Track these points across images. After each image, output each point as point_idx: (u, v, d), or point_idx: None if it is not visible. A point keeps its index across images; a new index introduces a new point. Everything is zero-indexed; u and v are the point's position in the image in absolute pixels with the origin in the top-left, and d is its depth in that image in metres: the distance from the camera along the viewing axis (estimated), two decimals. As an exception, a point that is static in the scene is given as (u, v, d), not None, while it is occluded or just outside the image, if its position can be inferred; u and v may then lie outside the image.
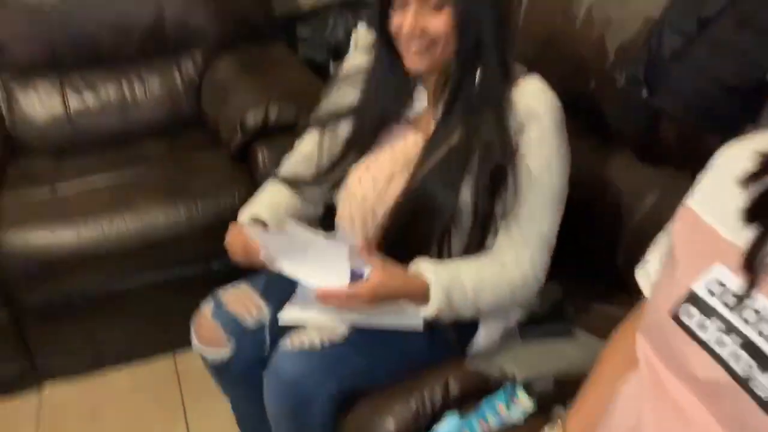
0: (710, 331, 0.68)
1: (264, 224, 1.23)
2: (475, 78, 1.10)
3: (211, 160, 1.96)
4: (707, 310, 0.69)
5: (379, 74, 1.21)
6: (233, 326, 1.24)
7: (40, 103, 2.09)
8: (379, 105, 1.22)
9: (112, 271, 1.78)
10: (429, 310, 1.07)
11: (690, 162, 1.19)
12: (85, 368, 1.93)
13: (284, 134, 1.82)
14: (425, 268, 1.09)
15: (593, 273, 1.38)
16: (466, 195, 1.11)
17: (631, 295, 0.94)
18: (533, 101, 1.10)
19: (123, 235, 1.73)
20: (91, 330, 1.85)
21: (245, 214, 1.26)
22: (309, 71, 2.19)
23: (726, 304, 0.68)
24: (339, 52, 2.44)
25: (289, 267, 1.13)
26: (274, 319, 1.23)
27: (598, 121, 1.43)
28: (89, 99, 2.11)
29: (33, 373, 1.88)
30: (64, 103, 2.09)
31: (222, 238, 1.80)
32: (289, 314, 1.20)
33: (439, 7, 1.07)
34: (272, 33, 2.39)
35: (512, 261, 1.12)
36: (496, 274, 1.11)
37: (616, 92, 1.31)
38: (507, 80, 1.12)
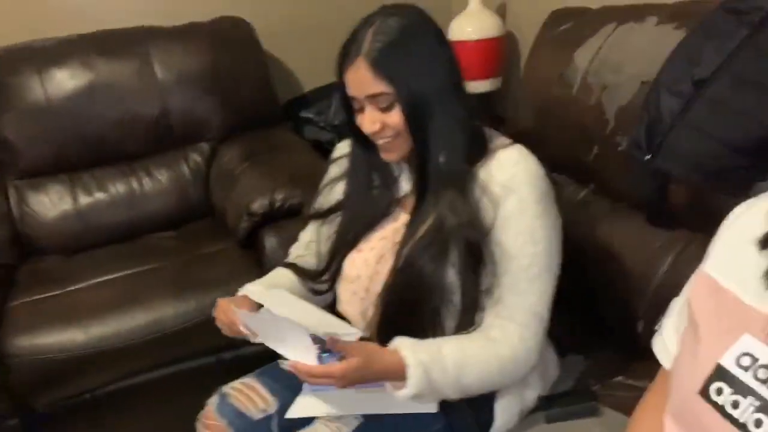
0: (744, 409, 0.64)
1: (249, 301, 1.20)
2: (439, 161, 1.10)
3: (220, 248, 1.95)
4: (739, 387, 0.65)
5: (360, 169, 1.23)
6: (239, 421, 1.20)
7: (50, 203, 2.10)
8: (366, 197, 1.23)
9: (123, 369, 1.74)
10: (408, 390, 1.03)
11: (703, 224, 1.16)
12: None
13: (291, 219, 1.82)
14: (403, 345, 1.05)
15: (614, 343, 1.33)
16: (451, 273, 1.09)
17: (655, 365, 0.90)
18: (508, 172, 1.09)
19: (133, 331, 1.70)
20: (103, 431, 1.79)
21: (241, 291, 1.25)
22: (314, 153, 2.20)
23: (758, 379, 0.64)
24: (343, 131, 2.46)
25: (269, 343, 1.11)
26: (282, 411, 1.19)
27: (605, 187, 1.42)
28: (98, 195, 2.12)
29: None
30: (74, 202, 2.11)
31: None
32: (297, 408, 1.16)
33: (388, 109, 1.09)
34: (277, 117, 2.42)
35: (499, 336, 1.08)
36: (481, 350, 1.07)
37: (620, 156, 1.30)
38: (475, 158, 1.11)
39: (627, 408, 1.11)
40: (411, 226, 1.14)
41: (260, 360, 1.84)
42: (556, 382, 1.26)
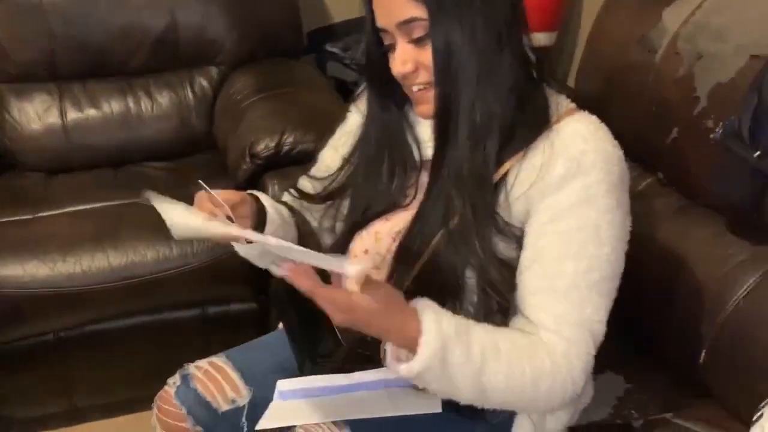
0: None
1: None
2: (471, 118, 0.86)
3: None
4: None
5: (371, 136, 1.01)
6: (200, 411, 1.00)
7: (35, 114, 1.87)
8: (377, 177, 1.00)
9: (90, 313, 1.54)
10: (414, 364, 0.79)
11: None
12: (61, 422, 1.69)
13: (300, 166, 1.58)
14: (426, 308, 0.82)
15: (666, 371, 1.11)
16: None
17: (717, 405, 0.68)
18: (576, 149, 0.85)
19: (104, 273, 1.50)
20: (66, 378, 1.61)
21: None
22: (336, 93, 1.96)
23: None
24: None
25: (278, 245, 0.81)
26: (254, 404, 1.00)
27: (678, 178, 1.17)
28: (89, 111, 1.89)
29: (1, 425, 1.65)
30: (62, 115, 1.88)
31: (219, 281, 1.59)
32: (271, 416, 0.94)
33: (422, 42, 0.86)
34: (298, 48, 2.16)
35: (543, 346, 0.86)
36: (517, 350, 0.85)
37: (707, 146, 1.05)
38: (531, 131, 0.88)
39: (678, 460, 0.90)
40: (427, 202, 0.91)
41: (250, 318, 1.66)
42: (588, 407, 1.04)
